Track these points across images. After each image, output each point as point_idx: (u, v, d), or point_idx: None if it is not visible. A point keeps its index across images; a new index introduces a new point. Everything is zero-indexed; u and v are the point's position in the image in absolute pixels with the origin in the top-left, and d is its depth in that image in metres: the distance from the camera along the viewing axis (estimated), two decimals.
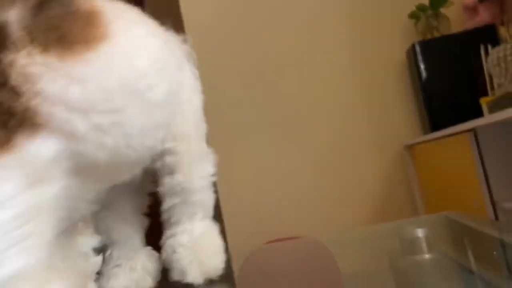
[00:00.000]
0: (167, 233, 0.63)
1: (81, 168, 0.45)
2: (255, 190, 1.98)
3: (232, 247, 1.79)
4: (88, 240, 0.81)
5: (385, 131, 2.02)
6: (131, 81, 0.50)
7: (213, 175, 0.67)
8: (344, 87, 2.04)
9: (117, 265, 0.64)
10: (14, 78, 0.41)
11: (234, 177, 1.91)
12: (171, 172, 0.61)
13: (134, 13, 0.58)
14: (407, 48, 1.94)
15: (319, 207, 1.95)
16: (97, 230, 0.67)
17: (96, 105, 0.45)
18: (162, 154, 0.60)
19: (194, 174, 0.63)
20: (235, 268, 1.72)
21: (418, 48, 1.86)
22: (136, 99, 0.50)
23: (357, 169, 2.00)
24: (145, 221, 0.68)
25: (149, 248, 0.68)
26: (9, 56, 0.41)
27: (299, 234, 1.75)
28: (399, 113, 2.02)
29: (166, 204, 0.62)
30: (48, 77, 0.42)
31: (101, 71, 0.47)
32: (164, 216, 0.63)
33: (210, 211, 0.67)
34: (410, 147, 1.97)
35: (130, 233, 0.66)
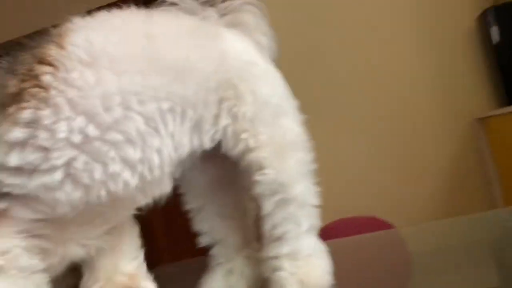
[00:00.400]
0: (271, 249, 0.57)
1: None
2: (321, 168, 1.97)
3: None
4: None
5: (454, 103, 1.90)
6: None
7: (310, 162, 0.61)
8: (411, 56, 1.94)
9: (217, 265, 0.64)
10: None
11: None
12: (260, 167, 0.56)
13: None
14: (478, 14, 1.81)
15: (385, 186, 1.90)
16: (200, 231, 0.65)
17: None
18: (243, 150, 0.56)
19: (286, 165, 0.57)
20: None
21: (491, 14, 1.72)
22: None
23: (424, 144, 1.92)
24: (244, 220, 0.65)
25: (250, 250, 0.64)
26: None
27: (365, 213, 1.75)
28: (470, 84, 1.90)
29: (265, 209, 0.56)
30: None
31: None
32: (266, 226, 0.57)
33: (314, 214, 0.60)
34: (482, 120, 1.85)
35: (231, 232, 0.65)
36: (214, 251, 0.64)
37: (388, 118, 1.93)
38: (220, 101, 0.54)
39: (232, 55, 0.57)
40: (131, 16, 0.54)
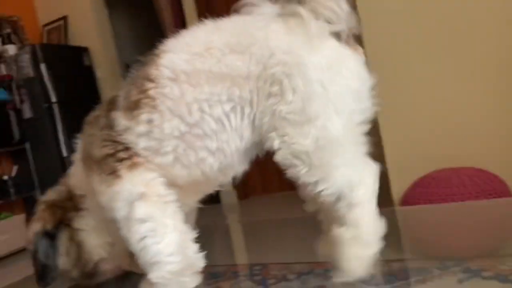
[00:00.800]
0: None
1: None
2: (420, 115, 1.86)
3: (394, 172, 1.82)
4: None
5: None
6: None
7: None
8: None
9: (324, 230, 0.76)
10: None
11: (398, 102, 1.83)
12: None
13: None
14: None
15: (487, 135, 1.77)
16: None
17: None
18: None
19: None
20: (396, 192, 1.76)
21: None
22: None
23: None
24: None
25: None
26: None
27: (467, 164, 1.68)
28: None
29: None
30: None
31: None
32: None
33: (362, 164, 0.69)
34: None
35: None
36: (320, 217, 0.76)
37: (503, 65, 1.76)
38: (268, 96, 0.66)
39: (281, 49, 0.65)
40: (199, 32, 0.71)
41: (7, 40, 4.31)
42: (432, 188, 1.50)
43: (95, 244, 0.81)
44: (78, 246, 0.81)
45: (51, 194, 0.86)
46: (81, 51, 4.48)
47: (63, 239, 0.80)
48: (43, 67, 4.04)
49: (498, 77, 1.78)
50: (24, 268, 1.31)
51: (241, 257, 1.06)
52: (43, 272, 0.80)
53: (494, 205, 1.05)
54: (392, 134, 1.86)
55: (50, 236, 0.79)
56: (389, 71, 1.84)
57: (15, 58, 4.20)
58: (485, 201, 1.30)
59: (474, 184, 1.40)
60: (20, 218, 4.08)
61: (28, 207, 4.42)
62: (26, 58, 4.11)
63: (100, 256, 0.81)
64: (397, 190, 1.83)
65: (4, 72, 4.12)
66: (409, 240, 0.93)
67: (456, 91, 1.83)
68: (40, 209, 0.83)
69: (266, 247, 1.01)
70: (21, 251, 4.03)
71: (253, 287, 0.79)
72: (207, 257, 1.03)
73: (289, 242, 1.09)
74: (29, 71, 4.10)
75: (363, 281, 0.69)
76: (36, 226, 0.80)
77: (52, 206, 0.81)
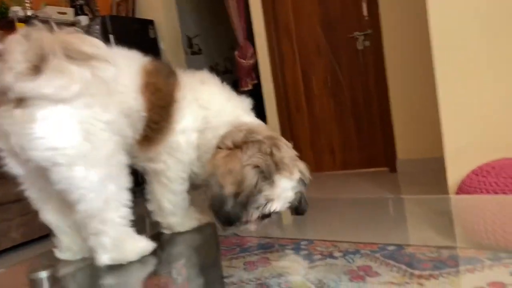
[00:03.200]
0: None
1: None
2: (480, 103, 1.79)
3: (451, 160, 1.79)
4: None
5: None
6: None
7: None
8: None
9: None
10: None
11: (458, 88, 1.78)
12: None
13: None
14: None
15: None
16: None
17: None
18: None
19: None
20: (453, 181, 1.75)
21: None
22: None
23: None
24: None
25: None
26: None
27: None
28: None
29: None
30: None
31: None
32: None
33: None
34: None
35: None
36: None
37: None
38: None
39: None
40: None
41: (80, 11, 4.54)
42: (491, 177, 1.43)
43: None
44: None
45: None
46: (147, 24, 4.62)
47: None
48: (112, 38, 4.23)
49: None
50: None
51: (289, 232, 1.08)
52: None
53: None
54: (452, 122, 1.79)
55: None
56: (451, 56, 1.75)
57: (87, 29, 4.43)
58: None
59: None
60: None
61: None
62: (97, 29, 4.31)
63: None
64: (455, 178, 1.77)
65: None
66: (462, 229, 0.90)
67: None
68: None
69: (314, 224, 1.02)
70: None
71: (299, 260, 0.81)
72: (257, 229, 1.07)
73: (338, 221, 1.09)
74: None
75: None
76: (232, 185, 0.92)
77: None
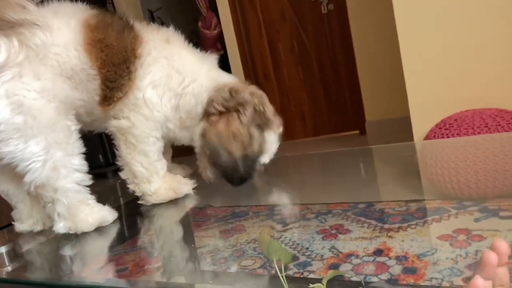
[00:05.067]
0: None
1: None
2: (442, 58, 1.81)
3: (416, 115, 1.84)
4: None
5: None
6: None
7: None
8: None
9: None
10: None
11: (420, 44, 1.79)
12: None
13: None
14: None
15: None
16: None
17: None
18: None
19: None
20: (419, 136, 1.80)
21: None
22: None
23: None
24: None
25: None
26: None
27: (493, 106, 1.65)
28: None
29: None
30: None
31: None
32: None
33: None
34: None
35: None
36: None
37: None
38: None
39: None
40: None
41: None
42: (454, 129, 1.48)
43: None
44: None
45: None
46: (105, 1, 4.43)
47: None
48: None
49: None
50: None
51: (263, 199, 1.09)
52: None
53: None
54: (414, 79, 1.82)
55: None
56: (412, 15, 1.76)
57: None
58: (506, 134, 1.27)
59: (497, 124, 1.36)
60: None
61: None
62: None
63: None
64: (420, 133, 1.82)
65: None
66: (428, 181, 0.93)
67: (480, 32, 1.75)
68: None
69: (287, 187, 1.03)
70: None
71: (274, 225, 0.82)
72: (229, 198, 1.08)
73: (309, 183, 1.11)
74: None
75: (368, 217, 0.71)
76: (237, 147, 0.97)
77: None
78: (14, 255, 0.92)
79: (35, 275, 0.83)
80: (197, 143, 1.00)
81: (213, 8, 4.03)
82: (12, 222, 1.02)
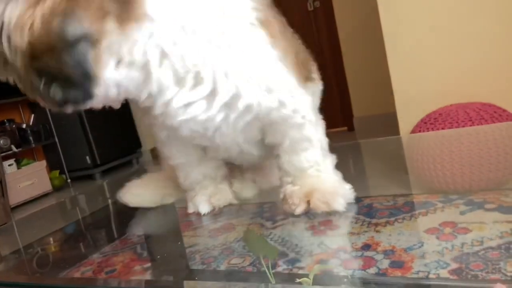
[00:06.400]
0: None
1: None
2: (427, 52, 1.84)
3: (401, 110, 1.87)
4: None
5: None
6: None
7: None
8: None
9: None
10: None
11: (405, 38, 1.80)
12: None
13: None
14: None
15: (497, 70, 1.75)
16: None
17: None
18: None
19: None
20: (405, 130, 1.82)
21: None
22: None
23: None
24: None
25: None
26: None
27: (477, 100, 1.67)
28: None
29: None
30: None
31: None
32: None
33: None
34: None
35: None
36: None
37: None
38: None
39: None
40: None
41: None
42: (438, 124, 1.50)
43: None
44: None
45: None
46: None
47: None
48: None
49: (508, 10, 1.71)
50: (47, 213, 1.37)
51: (253, 197, 1.09)
52: None
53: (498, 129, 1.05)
54: (400, 74, 1.85)
55: None
56: (396, 9, 1.78)
57: None
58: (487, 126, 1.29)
59: (481, 118, 1.38)
60: (41, 164, 4.23)
61: (48, 154, 4.56)
62: None
63: None
64: (406, 128, 1.84)
65: None
66: (414, 172, 0.94)
67: (464, 27, 1.78)
68: None
69: (275, 188, 1.03)
70: (45, 195, 4.21)
71: (263, 222, 0.82)
72: None
73: None
74: None
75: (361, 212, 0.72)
76: None
77: None
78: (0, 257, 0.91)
79: (18, 278, 0.82)
80: None
81: None
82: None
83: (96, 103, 0.64)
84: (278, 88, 0.73)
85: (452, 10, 1.76)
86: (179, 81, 0.68)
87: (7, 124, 4.14)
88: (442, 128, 1.49)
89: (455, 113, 1.53)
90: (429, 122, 1.57)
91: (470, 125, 1.45)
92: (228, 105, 0.71)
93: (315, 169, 0.81)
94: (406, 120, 1.83)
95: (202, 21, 0.66)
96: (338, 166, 0.84)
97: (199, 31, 0.66)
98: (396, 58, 1.82)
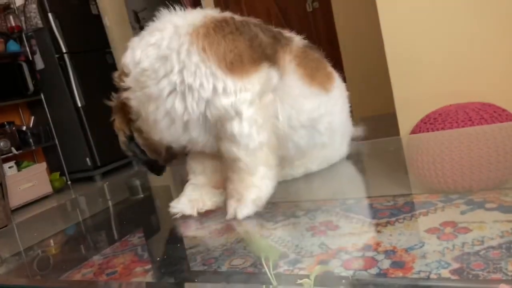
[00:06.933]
0: None
1: None
2: (427, 52, 1.83)
3: (401, 110, 1.87)
4: None
5: None
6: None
7: None
8: None
9: None
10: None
11: (405, 39, 1.80)
12: None
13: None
14: None
15: (497, 71, 1.74)
16: None
17: None
18: None
19: None
20: (405, 131, 1.81)
21: None
22: None
23: None
24: None
25: None
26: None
27: (477, 100, 1.67)
28: None
29: None
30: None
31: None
32: None
33: None
34: None
35: None
36: None
37: None
38: None
39: None
40: None
41: None
42: (438, 124, 1.50)
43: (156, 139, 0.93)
44: (147, 141, 0.94)
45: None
46: (88, 0, 4.39)
47: (138, 140, 0.95)
48: (51, 16, 3.99)
49: (508, 10, 1.71)
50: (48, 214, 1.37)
51: None
52: (150, 166, 0.99)
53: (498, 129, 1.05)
54: (399, 74, 1.85)
55: (132, 139, 0.95)
56: (395, 10, 1.78)
57: (23, 9, 4.15)
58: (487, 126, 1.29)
59: (480, 118, 1.38)
60: (41, 166, 4.22)
61: (48, 156, 4.56)
62: (33, 8, 4.05)
63: (165, 144, 0.93)
64: (405, 128, 1.84)
65: (13, 23, 4.09)
66: (414, 173, 0.94)
67: (463, 27, 1.78)
68: (114, 115, 0.97)
69: (276, 188, 1.03)
70: (45, 197, 4.21)
71: (263, 223, 0.82)
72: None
73: (298, 184, 1.11)
74: (37, 22, 4.06)
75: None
76: (121, 136, 0.96)
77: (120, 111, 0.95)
78: (0, 260, 0.91)
79: (19, 281, 0.82)
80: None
81: (198, 6, 4.01)
82: None
83: None
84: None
85: (452, 10, 1.76)
86: None
87: (7, 127, 4.14)
88: (442, 128, 1.49)
89: (454, 113, 1.53)
90: (429, 122, 1.57)
91: (470, 125, 1.45)
92: None
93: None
94: (406, 120, 1.83)
95: None
96: (339, 167, 0.84)
97: None
98: (396, 58, 1.83)
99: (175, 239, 0.89)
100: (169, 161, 0.99)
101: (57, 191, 4.30)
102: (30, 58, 4.20)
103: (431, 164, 0.91)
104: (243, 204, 0.84)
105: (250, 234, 0.73)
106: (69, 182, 4.49)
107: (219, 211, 0.95)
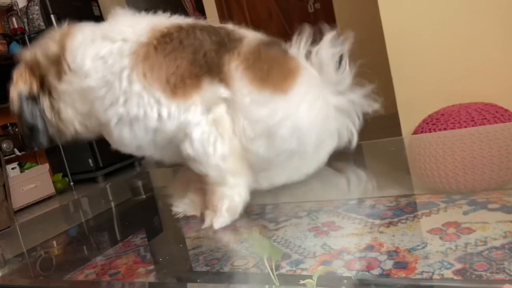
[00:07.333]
0: None
1: None
2: (429, 53, 1.83)
3: (403, 111, 1.87)
4: None
5: None
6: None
7: None
8: None
9: None
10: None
11: (407, 39, 1.81)
12: None
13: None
14: None
15: (500, 70, 1.74)
16: None
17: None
18: None
19: None
20: (407, 131, 1.80)
21: None
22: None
23: None
24: None
25: None
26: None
27: (479, 100, 1.66)
28: None
29: None
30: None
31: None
32: None
33: None
34: None
35: None
36: None
37: None
38: None
39: None
40: None
41: None
42: (440, 124, 1.50)
43: (71, 118, 0.86)
44: (56, 114, 0.86)
45: (38, 52, 0.89)
46: (90, 1, 4.40)
47: (45, 105, 0.85)
48: (53, 18, 4.01)
49: (510, 10, 1.71)
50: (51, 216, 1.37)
51: (256, 199, 1.09)
52: (32, 133, 0.85)
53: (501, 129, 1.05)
54: (401, 75, 1.85)
55: (34, 98, 0.84)
56: (397, 11, 1.78)
57: (25, 11, 4.17)
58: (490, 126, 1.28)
59: (483, 118, 1.38)
60: (44, 167, 4.24)
61: (51, 157, 4.57)
62: (36, 10, 4.07)
63: (74, 131, 0.87)
64: (408, 129, 1.84)
65: (15, 25, 4.11)
66: (416, 173, 0.94)
67: (464, 27, 1.78)
68: (22, 67, 0.88)
69: (278, 189, 1.03)
70: (48, 198, 4.22)
71: (266, 224, 0.82)
72: None
73: (300, 185, 1.11)
74: (40, 23, 4.07)
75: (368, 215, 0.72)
76: (20, 87, 0.85)
77: (36, 68, 0.86)
78: (3, 260, 0.91)
79: (22, 281, 0.83)
80: None
81: (200, 9, 4.03)
82: None
83: None
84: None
85: (454, 10, 1.76)
86: None
87: (10, 128, 4.15)
88: (444, 129, 1.49)
89: (457, 114, 1.53)
90: (431, 123, 1.57)
91: (472, 125, 1.44)
92: None
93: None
94: (408, 120, 1.83)
95: None
96: (340, 167, 0.84)
97: None
98: (398, 58, 1.83)
99: (177, 239, 0.89)
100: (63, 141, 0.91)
101: (59, 192, 4.31)
102: None
103: (434, 164, 0.91)
104: (218, 214, 0.85)
105: (252, 235, 0.73)
106: (71, 183, 4.50)
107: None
